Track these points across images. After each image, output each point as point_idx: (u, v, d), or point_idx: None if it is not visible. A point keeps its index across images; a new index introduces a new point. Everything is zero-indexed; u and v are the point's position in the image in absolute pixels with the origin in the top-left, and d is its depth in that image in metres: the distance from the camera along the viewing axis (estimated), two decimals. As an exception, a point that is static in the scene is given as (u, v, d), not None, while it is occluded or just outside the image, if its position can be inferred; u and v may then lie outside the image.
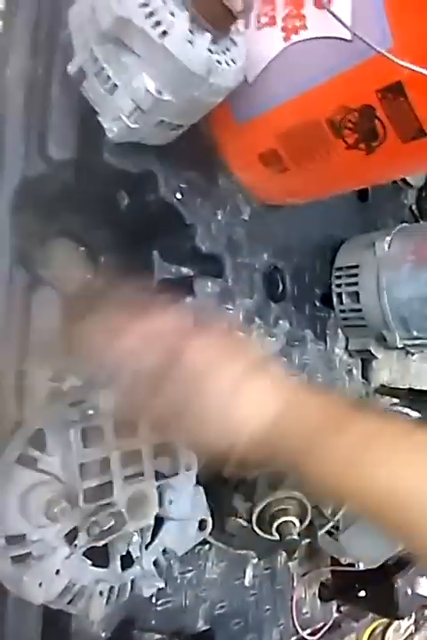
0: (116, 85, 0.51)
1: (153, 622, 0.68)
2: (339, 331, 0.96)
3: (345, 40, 0.54)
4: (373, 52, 0.52)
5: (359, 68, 0.55)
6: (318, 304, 0.92)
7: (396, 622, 1.05)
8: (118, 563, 0.53)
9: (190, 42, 0.48)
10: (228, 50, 0.52)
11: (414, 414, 0.92)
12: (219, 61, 0.51)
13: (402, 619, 0.93)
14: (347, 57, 0.55)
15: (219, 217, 0.74)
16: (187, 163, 0.70)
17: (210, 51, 0.50)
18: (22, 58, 0.54)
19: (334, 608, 0.97)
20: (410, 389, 1.05)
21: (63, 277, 0.74)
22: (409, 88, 0.53)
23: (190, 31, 0.48)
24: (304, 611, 0.92)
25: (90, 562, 0.51)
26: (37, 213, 0.62)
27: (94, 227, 0.75)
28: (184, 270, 0.73)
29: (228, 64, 0.52)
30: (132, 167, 0.66)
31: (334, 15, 0.53)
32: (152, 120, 0.54)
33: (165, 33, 0.46)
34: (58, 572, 0.48)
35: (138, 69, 0.49)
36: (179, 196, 0.69)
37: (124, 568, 0.53)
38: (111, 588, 0.52)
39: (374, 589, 0.87)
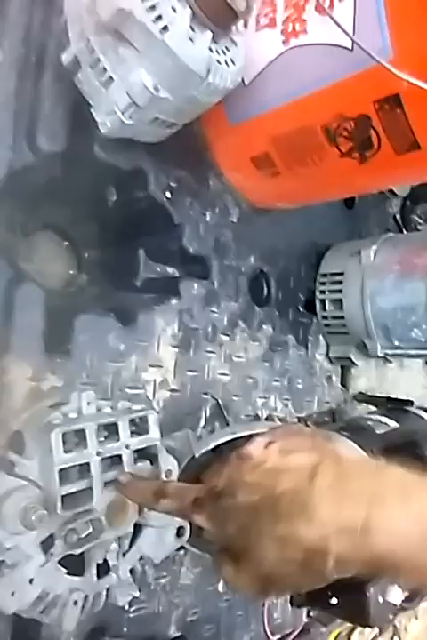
0: (111, 79, 0.49)
1: (125, 629, 0.67)
2: (320, 337, 0.96)
3: (345, 48, 0.54)
4: (372, 62, 0.52)
5: (358, 78, 0.54)
6: (301, 310, 0.91)
7: (361, 625, 1.06)
8: (94, 571, 0.51)
9: (191, 39, 0.46)
10: (228, 49, 0.51)
11: (393, 423, 0.93)
12: (218, 61, 0.49)
13: (373, 627, 0.94)
14: (346, 65, 0.54)
15: (207, 218, 0.73)
16: (178, 161, 0.68)
17: (210, 49, 0.48)
18: (14, 45, 0.51)
19: (304, 613, 0.97)
20: (388, 398, 1.06)
21: (46, 272, 0.72)
22: (407, 101, 0.53)
23: (192, 28, 0.46)
24: (275, 616, 0.92)
25: (65, 570, 0.49)
26: (22, 205, 0.60)
27: (80, 221, 0.73)
28: (170, 270, 0.71)
29: (227, 64, 0.51)
30: (122, 163, 0.64)
31: (336, 22, 0.52)
32: (147, 117, 0.53)
33: (165, 28, 0.44)
34: (32, 580, 0.46)
35: (136, 64, 0.47)
36: (168, 194, 0.67)
37: (99, 576, 0.52)
38: (86, 597, 0.50)
39: (346, 597, 0.87)
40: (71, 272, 0.73)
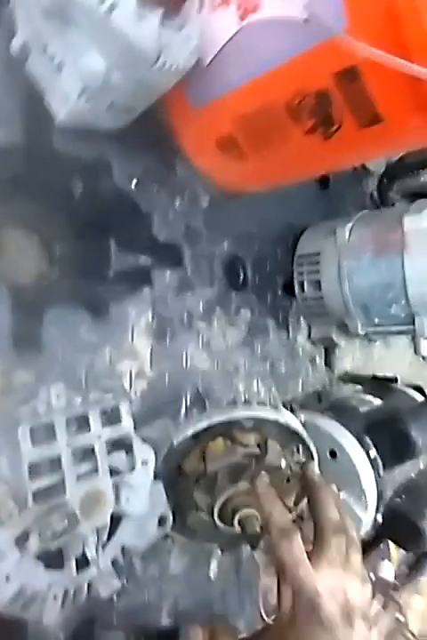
0: (62, 64, 0.48)
1: (114, 621, 0.67)
2: (301, 319, 0.96)
3: (300, 21, 0.53)
4: (328, 34, 0.51)
5: (315, 52, 0.53)
6: (279, 293, 0.91)
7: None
8: (73, 564, 0.51)
9: (139, 18, 0.45)
10: (180, 29, 0.50)
11: (377, 401, 0.93)
12: (170, 40, 0.49)
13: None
14: (302, 39, 0.54)
15: (176, 205, 0.72)
16: (142, 149, 0.67)
17: (161, 29, 0.47)
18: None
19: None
20: (373, 377, 1.07)
21: (16, 268, 0.71)
22: (365, 72, 0.52)
23: (139, 8, 0.45)
24: (270, 598, 0.92)
25: (43, 565, 0.48)
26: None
27: (48, 215, 0.72)
28: (142, 260, 0.71)
29: (180, 44, 0.50)
30: (84, 153, 0.63)
31: (289, -6, 0.52)
32: (102, 102, 0.52)
33: (111, 8, 0.43)
34: (8, 577, 0.46)
35: (85, 47, 0.46)
36: (134, 183, 0.67)
37: (79, 569, 0.51)
38: (66, 591, 0.50)
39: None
40: (42, 267, 0.72)
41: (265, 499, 0.54)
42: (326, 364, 1.04)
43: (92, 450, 0.50)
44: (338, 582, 0.48)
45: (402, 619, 1.32)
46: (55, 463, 0.47)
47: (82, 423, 0.50)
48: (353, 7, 0.50)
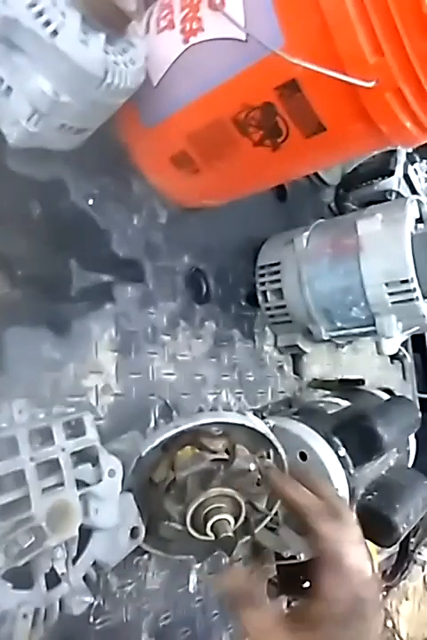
0: (10, 88, 0.50)
1: (92, 643, 0.66)
2: (266, 328, 0.98)
3: (240, 40, 0.56)
4: (267, 51, 0.54)
5: (256, 67, 0.56)
6: (243, 303, 0.93)
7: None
8: (43, 582, 0.50)
9: (84, 42, 0.47)
10: (125, 50, 0.53)
11: (344, 403, 0.95)
12: (116, 62, 0.51)
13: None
14: (243, 57, 0.57)
15: (135, 221, 0.74)
16: (98, 168, 0.69)
17: (106, 51, 0.50)
18: None
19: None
20: (341, 380, 1.09)
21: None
22: (304, 84, 0.55)
23: (84, 31, 0.47)
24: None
25: (10, 584, 0.48)
26: None
27: (7, 238, 0.73)
28: (103, 277, 0.72)
29: (126, 65, 0.52)
30: (40, 174, 0.64)
31: (228, 16, 0.54)
32: (53, 123, 0.53)
33: (55, 32, 0.45)
34: (-25, 598, 0.45)
35: (32, 71, 0.48)
36: (91, 202, 0.68)
37: (49, 587, 0.51)
38: (37, 610, 0.50)
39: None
40: (3, 288, 0.73)
41: (287, 486, 0.52)
42: (294, 371, 1.06)
43: (58, 463, 0.50)
44: (363, 557, 0.48)
45: (390, 624, 1.33)
46: (19, 478, 0.47)
47: (46, 437, 0.50)
48: (288, 25, 0.53)
